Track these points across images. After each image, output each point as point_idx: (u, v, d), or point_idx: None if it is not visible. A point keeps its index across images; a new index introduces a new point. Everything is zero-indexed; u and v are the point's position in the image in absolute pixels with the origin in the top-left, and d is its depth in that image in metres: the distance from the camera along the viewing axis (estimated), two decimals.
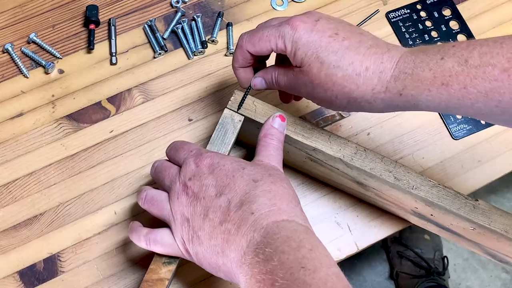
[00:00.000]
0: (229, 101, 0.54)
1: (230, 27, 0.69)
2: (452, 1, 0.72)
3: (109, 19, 0.69)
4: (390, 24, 0.71)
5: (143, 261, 0.59)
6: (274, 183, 0.45)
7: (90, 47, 0.67)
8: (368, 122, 0.66)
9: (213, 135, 0.53)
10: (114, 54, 0.67)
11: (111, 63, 0.67)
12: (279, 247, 0.40)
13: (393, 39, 0.70)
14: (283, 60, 0.52)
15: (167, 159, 0.52)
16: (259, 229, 0.42)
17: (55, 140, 0.64)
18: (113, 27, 0.68)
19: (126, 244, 0.60)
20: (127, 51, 0.68)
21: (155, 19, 0.69)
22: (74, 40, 0.69)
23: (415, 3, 0.72)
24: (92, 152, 0.63)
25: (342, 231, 0.61)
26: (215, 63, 0.68)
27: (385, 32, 0.70)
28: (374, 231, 0.62)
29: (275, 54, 0.53)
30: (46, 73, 0.67)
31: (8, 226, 0.60)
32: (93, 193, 0.62)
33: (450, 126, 0.66)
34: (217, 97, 0.66)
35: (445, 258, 1.27)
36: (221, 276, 0.46)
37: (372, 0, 0.72)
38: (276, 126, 0.50)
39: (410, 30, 0.70)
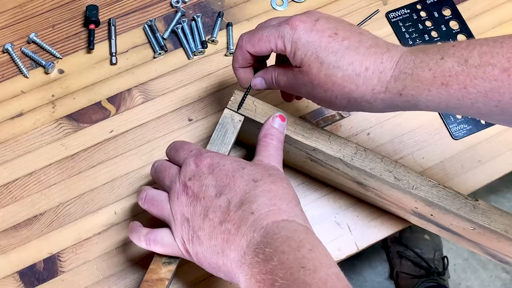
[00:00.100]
0: (229, 101, 0.54)
1: (230, 27, 0.69)
2: (452, 1, 0.72)
3: (109, 19, 0.69)
4: (390, 24, 0.71)
5: (143, 261, 0.59)
6: (274, 183, 0.45)
7: (90, 47, 0.67)
8: (368, 122, 0.66)
9: (213, 135, 0.53)
10: (114, 54, 0.67)
11: (111, 63, 0.67)
12: (279, 247, 0.40)
13: (393, 39, 0.70)
14: (283, 60, 0.52)
15: (167, 159, 0.52)
16: (259, 229, 0.42)
17: (55, 140, 0.64)
18: (113, 27, 0.68)
19: (126, 244, 0.60)
20: (127, 51, 0.68)
21: (155, 19, 0.69)
22: (74, 40, 0.69)
23: (415, 3, 0.72)
24: (92, 152, 0.63)
25: (342, 231, 0.61)
26: (215, 63, 0.68)
27: (385, 32, 0.70)
28: (374, 231, 0.62)
29: (275, 54, 0.53)
30: (46, 73, 0.67)
31: (8, 226, 0.60)
32: (93, 193, 0.62)
33: (450, 126, 0.66)
34: (217, 97, 0.66)
35: (445, 258, 1.27)
36: (221, 276, 0.46)
37: (372, 0, 0.72)
38: (276, 126, 0.50)
39: (410, 30, 0.70)
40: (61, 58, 0.67)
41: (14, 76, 0.67)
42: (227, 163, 0.47)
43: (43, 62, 0.66)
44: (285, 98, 0.58)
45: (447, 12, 0.72)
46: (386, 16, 0.71)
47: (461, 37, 0.71)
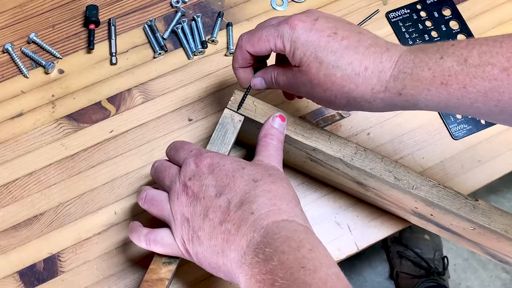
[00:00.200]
0: (229, 101, 0.54)
1: (230, 27, 0.69)
2: (452, 1, 0.72)
3: (109, 19, 0.69)
4: (390, 24, 0.71)
5: (143, 261, 0.59)
6: (274, 183, 0.45)
7: (90, 47, 0.67)
8: (368, 122, 0.66)
9: (213, 135, 0.53)
10: (114, 54, 0.67)
11: (111, 63, 0.67)
12: (279, 247, 0.40)
13: (393, 39, 0.70)
14: (283, 60, 0.52)
15: (167, 159, 0.52)
16: (259, 229, 0.42)
17: (55, 140, 0.64)
18: (113, 27, 0.68)
19: (126, 244, 0.60)
20: (127, 51, 0.68)
21: (155, 19, 0.69)
22: (74, 40, 0.69)
23: (415, 3, 0.72)
24: (92, 152, 0.63)
25: (342, 231, 0.61)
26: (215, 63, 0.68)
27: (385, 32, 0.70)
28: (374, 231, 0.62)
29: (275, 53, 0.53)
30: (46, 73, 0.67)
31: (8, 226, 0.60)
32: (93, 193, 0.62)
33: (450, 126, 0.66)
34: (217, 97, 0.66)
35: (445, 258, 1.27)
36: (221, 276, 0.46)
37: (372, 0, 0.72)
38: (276, 126, 0.50)
39: (410, 30, 0.70)
40: (61, 58, 0.67)
41: (14, 76, 0.67)
42: (227, 163, 0.47)
43: (43, 62, 0.66)
44: (287, 96, 0.58)
45: (447, 12, 0.72)
46: (386, 16, 0.71)
47: (461, 37, 0.71)
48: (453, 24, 0.71)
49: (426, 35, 0.70)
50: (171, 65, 0.68)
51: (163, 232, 0.48)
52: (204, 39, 0.68)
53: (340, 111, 0.66)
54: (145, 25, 0.69)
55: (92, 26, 0.68)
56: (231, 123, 0.53)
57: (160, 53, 0.68)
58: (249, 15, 0.70)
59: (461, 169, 0.64)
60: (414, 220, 0.60)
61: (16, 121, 0.64)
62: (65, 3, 0.70)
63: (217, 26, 0.69)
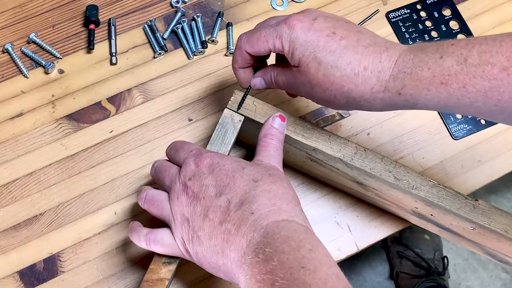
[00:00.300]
0: (229, 101, 0.54)
1: (230, 27, 0.69)
2: (452, 1, 0.72)
3: (109, 19, 0.69)
4: (390, 24, 0.71)
5: (143, 261, 0.59)
6: (274, 183, 0.45)
7: (90, 47, 0.67)
8: (368, 122, 0.66)
9: (213, 135, 0.53)
10: (114, 54, 0.67)
11: (111, 63, 0.67)
12: (279, 247, 0.40)
13: (393, 39, 0.70)
14: (282, 60, 0.52)
15: (167, 159, 0.52)
16: (259, 229, 0.42)
17: (55, 140, 0.64)
18: (113, 27, 0.68)
19: (126, 244, 0.60)
20: (127, 51, 0.68)
21: (155, 19, 0.69)
22: (74, 40, 0.69)
23: (415, 3, 0.72)
24: (92, 152, 0.63)
25: (342, 231, 0.61)
26: (215, 63, 0.68)
27: (385, 32, 0.70)
28: (374, 231, 0.62)
29: (274, 53, 0.53)
30: (46, 73, 0.67)
31: (8, 226, 0.60)
32: (93, 193, 0.62)
33: (450, 126, 0.66)
34: (217, 97, 0.66)
35: (445, 258, 1.27)
36: (221, 276, 0.46)
37: (372, 0, 0.72)
38: (276, 126, 0.50)
39: (410, 30, 0.70)
40: (61, 58, 0.67)
41: (14, 76, 0.67)
42: (227, 163, 0.47)
43: (43, 62, 0.66)
44: (290, 94, 0.58)
45: (447, 12, 0.72)
46: (386, 16, 0.71)
47: (461, 37, 0.71)
48: (453, 24, 0.71)
49: (426, 35, 0.70)
50: (171, 65, 0.68)
51: (163, 232, 0.48)
52: (204, 39, 0.68)
53: (340, 111, 0.66)
54: (145, 25, 0.69)
55: (92, 26, 0.68)
56: (231, 123, 0.53)
57: (160, 53, 0.68)
58: (249, 15, 0.70)
59: (461, 169, 0.64)
60: (414, 220, 0.60)
61: (16, 121, 0.64)
62: (65, 3, 0.70)
63: (217, 26, 0.69)
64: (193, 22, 0.69)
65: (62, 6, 0.70)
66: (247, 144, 0.62)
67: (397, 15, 0.71)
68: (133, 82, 0.67)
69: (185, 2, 0.71)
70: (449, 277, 1.29)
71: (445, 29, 0.71)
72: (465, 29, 0.71)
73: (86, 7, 0.69)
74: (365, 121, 0.66)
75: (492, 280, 1.35)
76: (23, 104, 0.65)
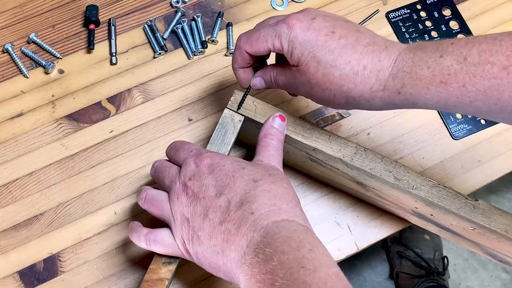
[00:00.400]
0: (229, 101, 0.54)
1: (230, 27, 0.69)
2: (452, 1, 0.72)
3: (109, 19, 0.69)
4: (390, 24, 0.71)
5: (143, 261, 0.59)
6: (274, 183, 0.45)
7: (90, 47, 0.67)
8: (368, 122, 0.66)
9: (213, 135, 0.53)
10: (114, 54, 0.67)
11: (111, 63, 0.67)
12: (279, 247, 0.40)
13: (393, 39, 0.70)
14: (282, 59, 0.52)
15: (167, 159, 0.52)
16: (259, 229, 0.42)
17: (55, 140, 0.64)
18: (113, 27, 0.68)
19: (126, 244, 0.60)
20: (127, 51, 0.68)
21: (155, 19, 0.69)
22: (74, 40, 0.69)
23: (415, 3, 0.72)
24: (92, 152, 0.63)
25: (342, 231, 0.61)
26: (215, 63, 0.68)
27: (385, 32, 0.70)
28: (374, 231, 0.62)
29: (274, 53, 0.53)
30: (46, 73, 0.67)
31: (8, 226, 0.60)
32: (93, 193, 0.62)
33: (450, 126, 0.66)
34: (217, 97, 0.66)
35: (445, 258, 1.27)
36: (221, 276, 0.46)
37: (372, 0, 0.72)
38: (276, 126, 0.50)
39: (410, 30, 0.70)
40: (61, 58, 0.67)
41: (14, 76, 0.67)
42: (227, 163, 0.47)
43: (43, 62, 0.66)
44: (291, 93, 0.57)
45: (447, 12, 0.72)
46: (386, 16, 0.71)
47: (461, 37, 0.70)
48: (453, 24, 0.71)
49: (426, 35, 0.70)
50: (171, 65, 0.68)
51: (163, 232, 0.48)
52: (204, 39, 0.68)
53: (340, 111, 0.66)
54: (145, 25, 0.69)
55: (92, 26, 0.68)
56: (231, 123, 0.53)
57: (160, 53, 0.68)
58: (249, 15, 0.70)
59: (461, 169, 0.64)
60: (414, 220, 0.60)
61: (16, 121, 0.64)
62: (65, 3, 0.70)
63: (217, 26, 0.69)
64: (193, 22, 0.69)
65: (62, 6, 0.70)
66: (247, 144, 0.62)
67: (397, 15, 0.71)
68: (133, 82, 0.67)
69: (185, 2, 0.71)
70: (449, 277, 1.29)
71: (445, 29, 0.71)
72: (465, 29, 0.71)
73: (86, 7, 0.69)
74: (365, 121, 0.66)
75: (492, 280, 1.35)
76: (23, 104, 0.65)
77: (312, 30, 0.46)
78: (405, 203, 0.55)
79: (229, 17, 0.70)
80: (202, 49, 0.68)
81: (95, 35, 0.68)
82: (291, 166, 0.63)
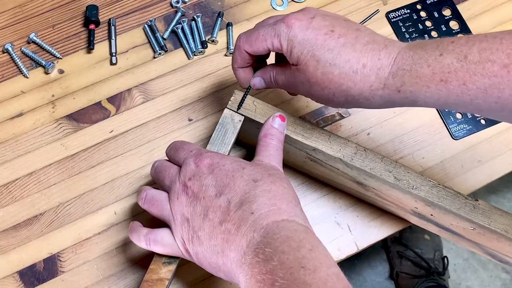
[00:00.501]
0: (229, 101, 0.54)
1: (230, 27, 0.69)
2: (452, 1, 0.72)
3: (109, 19, 0.69)
4: (390, 24, 0.71)
5: (143, 261, 0.59)
6: (274, 183, 0.45)
7: (90, 47, 0.67)
8: (368, 122, 0.66)
9: (213, 135, 0.53)
10: (114, 54, 0.67)
11: (111, 63, 0.67)
12: (279, 247, 0.40)
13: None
14: (281, 59, 0.52)
15: (167, 159, 0.52)
16: (259, 229, 0.42)
17: (55, 140, 0.64)
18: (113, 27, 0.68)
19: (126, 244, 0.60)
20: (127, 51, 0.68)
21: (155, 19, 0.69)
22: (74, 40, 0.69)
23: (415, 3, 0.72)
24: (92, 152, 0.63)
25: (342, 231, 0.61)
26: (215, 63, 0.68)
27: (385, 32, 0.70)
28: (374, 231, 0.62)
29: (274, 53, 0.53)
30: (46, 73, 0.67)
31: (8, 226, 0.60)
32: (93, 193, 0.62)
33: (450, 126, 0.66)
34: (217, 97, 0.66)
35: (445, 258, 1.27)
36: (221, 276, 0.46)
37: (372, 0, 0.72)
38: (276, 126, 0.50)
39: (410, 30, 0.70)
40: (61, 58, 0.67)
41: (14, 76, 0.67)
42: (227, 163, 0.47)
43: (43, 62, 0.66)
44: (290, 92, 0.57)
45: (447, 12, 0.72)
46: (386, 16, 0.71)
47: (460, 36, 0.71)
48: (453, 24, 0.71)
49: (426, 35, 0.70)
50: (171, 65, 0.68)
51: (163, 232, 0.48)
52: (204, 39, 0.68)
53: (340, 111, 0.66)
54: (145, 25, 0.69)
55: (92, 26, 0.68)
56: (231, 123, 0.53)
57: (160, 53, 0.68)
58: (249, 15, 0.70)
59: (461, 169, 0.64)
60: (414, 220, 0.60)
61: (16, 121, 0.64)
62: (65, 3, 0.70)
63: (217, 26, 0.69)
64: (193, 22, 0.69)
65: (62, 6, 0.70)
66: (247, 144, 0.62)
67: (397, 15, 0.71)
68: (133, 82, 0.67)
69: (185, 2, 0.71)
70: (449, 277, 1.29)
71: (445, 29, 0.71)
72: (465, 29, 0.71)
73: (86, 7, 0.69)
74: (365, 121, 0.66)
75: (492, 280, 1.35)
76: (23, 104, 0.65)
77: (312, 29, 0.46)
78: (405, 203, 0.55)
79: (229, 17, 0.70)
80: (202, 49, 0.68)
81: (95, 35, 0.68)
82: (291, 166, 0.63)
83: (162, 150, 0.63)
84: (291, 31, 0.47)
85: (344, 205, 0.62)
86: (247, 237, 0.42)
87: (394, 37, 0.70)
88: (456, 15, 0.71)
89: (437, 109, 0.67)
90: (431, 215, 0.54)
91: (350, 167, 0.53)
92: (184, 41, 0.68)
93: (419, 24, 0.71)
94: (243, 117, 0.53)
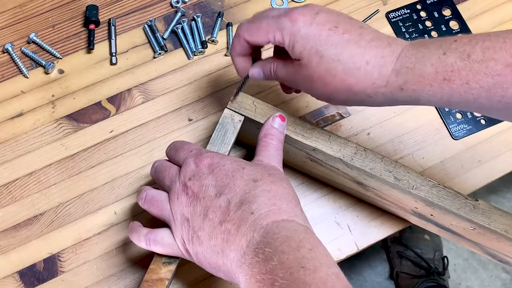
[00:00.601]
0: (229, 101, 0.54)
1: (230, 27, 0.69)
2: (452, 1, 0.72)
3: (109, 19, 0.69)
4: (390, 24, 0.71)
5: (143, 261, 0.59)
6: (274, 183, 0.45)
7: (90, 47, 0.67)
8: (368, 122, 0.66)
9: (213, 135, 0.53)
10: (114, 54, 0.67)
11: (111, 63, 0.67)
12: (279, 247, 0.40)
13: None
14: (281, 52, 0.51)
15: (167, 159, 0.52)
16: (258, 229, 0.42)
17: (55, 140, 0.64)
18: (113, 27, 0.68)
19: (126, 244, 0.60)
20: (127, 51, 0.68)
21: (155, 19, 0.69)
22: (74, 40, 0.69)
23: (415, 3, 0.72)
24: (92, 152, 0.63)
25: (342, 231, 0.61)
26: (215, 63, 0.68)
27: (385, 32, 0.70)
28: (374, 231, 0.62)
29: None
30: (46, 73, 0.67)
31: (8, 226, 0.60)
32: (93, 193, 0.62)
33: (450, 126, 0.66)
34: (217, 97, 0.66)
35: (445, 258, 1.27)
36: (221, 276, 0.46)
37: (372, 0, 0.72)
38: (276, 126, 0.50)
39: (410, 30, 0.70)
40: (61, 58, 0.68)
41: (14, 76, 0.67)
42: (227, 163, 0.47)
43: (43, 62, 0.66)
44: (285, 89, 0.57)
45: (447, 12, 0.72)
46: (386, 16, 0.71)
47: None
48: (453, 24, 0.71)
49: (426, 35, 0.70)
50: (171, 65, 0.68)
51: (163, 232, 0.48)
52: (204, 39, 0.68)
53: (340, 111, 0.66)
54: (145, 25, 0.69)
55: (92, 26, 0.68)
56: (231, 123, 0.53)
57: (160, 53, 0.68)
58: (249, 15, 0.70)
59: (461, 169, 0.64)
60: (414, 220, 0.60)
61: (16, 121, 0.64)
62: (65, 3, 0.70)
63: (217, 26, 0.69)
64: (193, 22, 0.69)
65: (62, 6, 0.70)
66: (247, 144, 0.63)
67: (397, 15, 0.71)
68: (133, 82, 0.67)
69: (185, 2, 0.71)
70: (449, 277, 1.29)
71: (445, 29, 0.71)
72: (465, 29, 0.71)
73: (86, 7, 0.69)
74: (365, 121, 0.66)
75: (492, 280, 1.35)
76: (23, 104, 0.65)
77: (316, 24, 0.46)
78: (405, 203, 0.55)
79: (229, 17, 0.70)
80: (202, 49, 0.68)
81: (95, 35, 0.68)
82: (291, 166, 0.63)
83: (162, 150, 0.63)
84: (295, 26, 0.46)
85: (344, 205, 0.62)
86: (247, 237, 0.42)
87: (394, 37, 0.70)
88: (456, 15, 0.71)
89: (437, 109, 0.67)
90: (431, 215, 0.54)
91: (350, 167, 0.53)
92: (184, 41, 0.68)
93: (419, 24, 0.71)
94: (243, 117, 0.53)
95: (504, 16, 0.72)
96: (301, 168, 0.62)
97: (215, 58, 0.68)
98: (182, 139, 0.63)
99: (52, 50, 0.67)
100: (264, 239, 0.41)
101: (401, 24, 0.71)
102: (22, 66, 0.66)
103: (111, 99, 0.66)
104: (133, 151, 0.64)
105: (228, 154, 0.53)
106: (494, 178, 0.64)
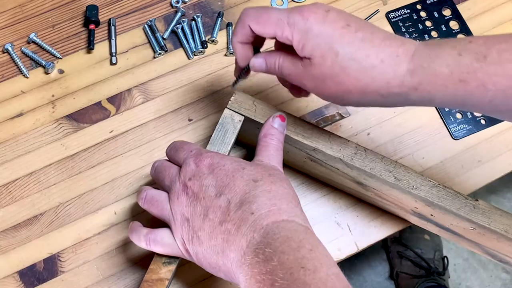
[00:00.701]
0: (229, 101, 0.54)
1: (230, 27, 0.69)
2: (452, 1, 0.72)
3: (109, 19, 0.69)
4: (390, 24, 0.71)
5: (143, 261, 0.59)
6: (274, 183, 0.45)
7: (90, 47, 0.67)
8: (368, 122, 0.66)
9: (213, 135, 0.53)
10: (114, 54, 0.67)
11: (111, 63, 0.67)
12: (279, 247, 0.40)
13: None
14: (284, 46, 0.49)
15: (167, 159, 0.52)
16: (259, 229, 0.42)
17: (55, 140, 0.64)
18: (113, 27, 0.68)
19: (126, 244, 0.60)
20: (127, 51, 0.68)
21: (155, 19, 0.69)
22: (74, 40, 0.69)
23: (415, 3, 0.72)
24: (92, 152, 0.63)
25: (342, 231, 0.61)
26: (215, 63, 0.68)
27: None
28: (374, 231, 0.62)
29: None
30: (46, 73, 0.67)
31: (8, 226, 0.60)
32: (93, 193, 0.62)
33: (450, 126, 0.66)
34: (217, 97, 0.66)
35: (445, 258, 1.27)
36: (221, 276, 0.46)
37: (372, 0, 0.72)
38: (276, 126, 0.50)
39: (410, 30, 0.70)
40: (61, 58, 0.67)
41: (14, 76, 0.67)
42: (227, 163, 0.47)
43: (43, 62, 0.66)
44: (295, 93, 0.54)
45: (447, 12, 0.72)
46: (386, 16, 0.71)
47: (461, 37, 0.71)
48: (453, 24, 0.71)
49: (426, 35, 0.70)
50: (171, 65, 0.68)
51: (163, 232, 0.48)
52: (204, 39, 0.68)
53: (340, 111, 0.66)
54: (145, 25, 0.69)
55: (92, 26, 0.68)
56: (231, 123, 0.53)
57: (160, 53, 0.68)
58: None
59: (461, 169, 0.64)
60: (414, 220, 0.60)
61: (16, 121, 0.64)
62: (65, 3, 0.70)
63: (217, 26, 0.69)
64: (193, 22, 0.69)
65: (62, 6, 0.70)
66: (247, 144, 0.63)
67: (397, 15, 0.71)
68: (133, 82, 0.67)
69: (185, 2, 0.71)
70: (449, 277, 1.30)
71: (445, 29, 0.71)
72: (465, 29, 0.71)
73: (86, 7, 0.69)
74: (365, 121, 0.66)
75: (492, 280, 1.35)
76: (23, 104, 0.65)
77: (328, 22, 0.44)
78: (405, 203, 0.55)
79: (229, 17, 0.70)
80: (202, 49, 0.68)
81: (95, 35, 0.68)
82: (291, 166, 0.63)
83: (162, 150, 0.63)
84: (307, 23, 0.44)
85: (344, 205, 0.62)
86: (247, 237, 0.42)
87: None
88: (456, 15, 0.71)
89: (437, 109, 0.67)
90: (431, 215, 0.54)
91: (350, 167, 0.53)
92: (184, 41, 0.68)
93: (419, 24, 0.71)
94: (243, 117, 0.53)
95: (504, 16, 0.72)
96: (301, 168, 0.62)
97: (215, 58, 0.68)
98: (182, 139, 0.63)
99: (52, 50, 0.67)
100: (264, 239, 0.41)
101: (401, 24, 0.71)
102: (22, 66, 0.66)
103: (111, 99, 0.66)
104: (133, 151, 0.64)
105: (228, 154, 0.53)
106: (494, 178, 0.64)
